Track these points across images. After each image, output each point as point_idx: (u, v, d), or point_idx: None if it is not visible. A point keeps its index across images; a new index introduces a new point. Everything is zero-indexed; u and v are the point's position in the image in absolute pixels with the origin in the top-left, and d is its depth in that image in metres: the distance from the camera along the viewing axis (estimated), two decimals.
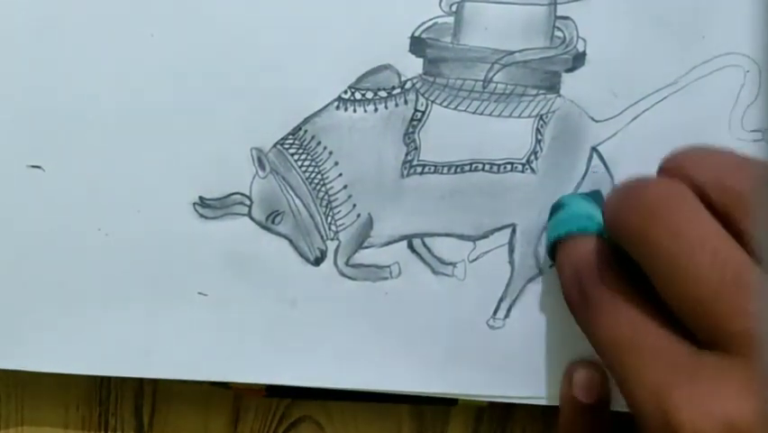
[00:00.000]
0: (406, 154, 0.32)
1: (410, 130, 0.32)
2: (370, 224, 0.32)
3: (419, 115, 0.32)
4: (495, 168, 0.32)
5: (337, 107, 0.32)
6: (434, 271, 0.32)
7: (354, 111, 0.32)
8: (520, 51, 0.31)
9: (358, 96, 0.31)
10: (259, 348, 0.32)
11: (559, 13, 0.31)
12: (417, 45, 0.31)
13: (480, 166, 0.32)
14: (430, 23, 0.31)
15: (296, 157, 0.32)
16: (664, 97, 0.31)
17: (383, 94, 0.31)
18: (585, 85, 0.31)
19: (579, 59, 0.31)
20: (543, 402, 0.32)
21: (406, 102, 0.32)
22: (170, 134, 0.32)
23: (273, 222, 0.32)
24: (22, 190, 0.32)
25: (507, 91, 0.31)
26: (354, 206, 0.32)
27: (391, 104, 0.32)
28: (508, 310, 0.32)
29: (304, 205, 0.32)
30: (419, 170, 0.32)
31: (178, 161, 0.32)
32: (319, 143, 0.32)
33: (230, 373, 0.33)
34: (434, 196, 0.32)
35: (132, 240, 0.32)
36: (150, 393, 0.35)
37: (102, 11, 0.31)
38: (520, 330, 0.32)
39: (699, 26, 0.31)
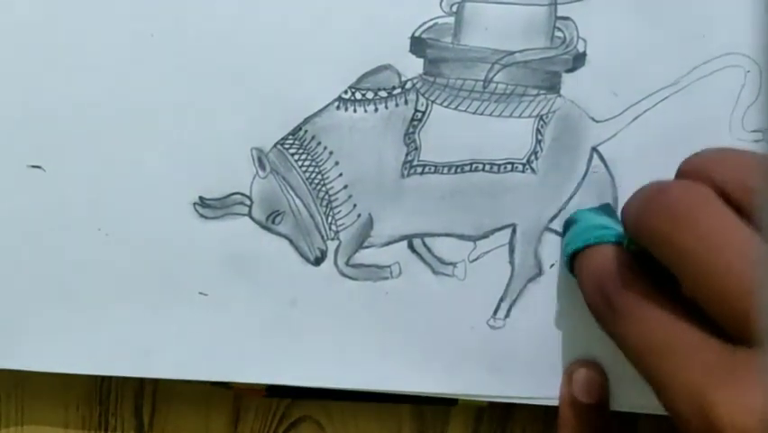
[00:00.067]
0: (407, 154, 0.32)
1: (410, 130, 0.32)
2: (370, 224, 0.32)
3: (419, 115, 0.31)
4: (495, 168, 0.32)
5: (337, 107, 0.32)
6: (435, 271, 0.32)
7: (355, 111, 0.32)
8: (520, 52, 0.31)
9: (358, 96, 0.31)
10: (259, 348, 0.32)
11: (559, 14, 0.31)
12: (418, 45, 0.31)
13: (481, 166, 0.32)
14: (430, 23, 0.31)
15: (296, 157, 0.32)
16: (665, 98, 0.31)
17: (383, 94, 0.31)
18: (585, 85, 0.31)
19: (579, 60, 0.31)
20: (543, 402, 0.32)
21: (406, 102, 0.31)
22: (170, 134, 0.32)
23: (273, 222, 0.32)
24: (23, 190, 0.32)
25: (508, 91, 0.31)
26: (355, 206, 0.32)
27: (391, 104, 0.31)
28: (509, 310, 0.32)
29: (304, 205, 0.32)
30: (419, 170, 0.32)
31: (178, 161, 0.32)
32: (319, 143, 0.32)
33: (230, 373, 0.33)
34: (434, 196, 0.32)
35: (132, 240, 0.32)
36: (150, 393, 0.35)
37: (102, 11, 0.31)
38: (520, 330, 0.32)
39: (699, 26, 0.31)
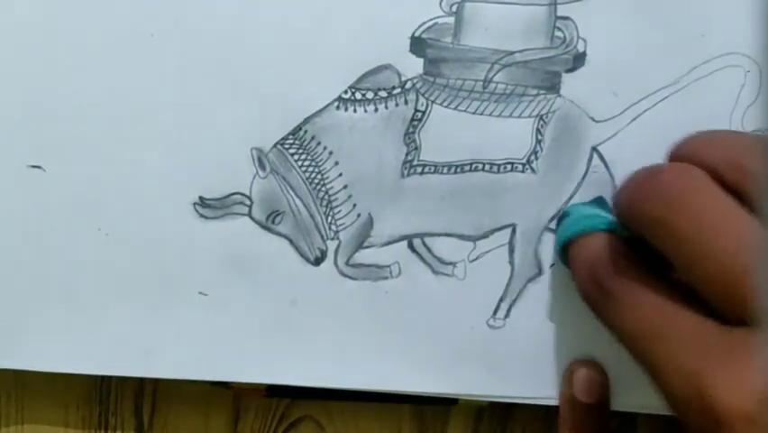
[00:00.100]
0: (407, 154, 0.32)
1: (410, 130, 0.32)
2: (370, 224, 0.32)
3: (419, 115, 0.32)
4: (495, 168, 0.32)
5: (337, 107, 0.32)
6: (435, 271, 0.32)
7: (354, 111, 0.32)
8: (520, 52, 0.31)
9: (358, 96, 0.31)
10: (259, 348, 0.32)
11: (559, 14, 0.31)
12: (418, 45, 0.31)
13: (481, 166, 0.32)
14: (430, 23, 0.31)
15: (296, 157, 0.32)
16: (665, 97, 0.31)
17: (383, 94, 0.31)
18: (585, 85, 0.31)
19: (579, 60, 0.31)
20: (542, 402, 0.32)
21: (406, 102, 0.32)
22: (170, 134, 0.32)
23: (273, 222, 0.32)
24: (23, 190, 0.32)
25: (508, 91, 0.31)
26: (354, 205, 0.32)
27: (391, 104, 0.32)
28: (508, 310, 0.32)
29: (304, 205, 0.32)
30: (419, 170, 0.32)
31: (178, 162, 0.32)
32: (319, 143, 0.32)
33: (230, 373, 0.33)
34: (434, 196, 0.32)
35: (132, 240, 0.32)
36: (150, 393, 0.35)
37: (102, 11, 0.31)
38: (520, 330, 0.32)
39: (699, 26, 0.31)
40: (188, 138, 0.32)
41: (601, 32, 0.31)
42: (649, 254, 0.26)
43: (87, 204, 0.32)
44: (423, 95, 0.31)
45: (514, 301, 0.32)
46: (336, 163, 0.32)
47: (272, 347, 0.32)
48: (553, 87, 0.31)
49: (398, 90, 0.31)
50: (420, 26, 0.31)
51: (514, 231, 0.32)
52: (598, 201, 0.31)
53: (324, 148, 0.32)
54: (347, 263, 0.32)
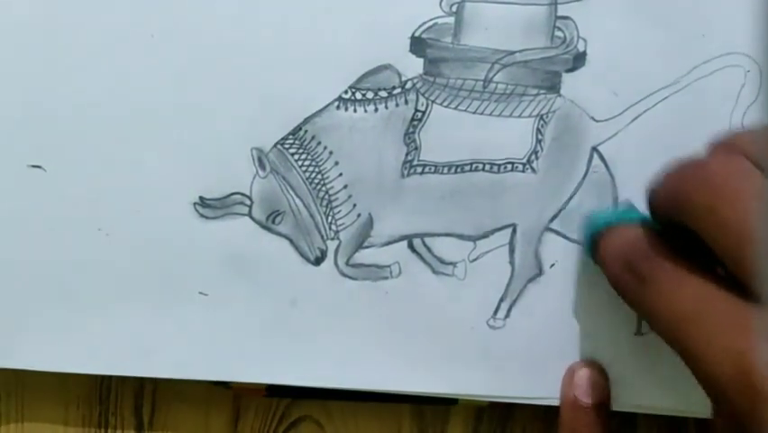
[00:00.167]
0: (407, 154, 0.32)
1: (410, 130, 0.32)
2: (370, 224, 0.32)
3: (419, 114, 0.31)
4: (495, 168, 0.32)
5: (337, 107, 0.32)
6: (435, 271, 0.32)
7: (355, 111, 0.32)
8: (520, 51, 0.31)
9: (358, 96, 0.31)
10: (259, 348, 0.32)
11: (559, 13, 0.31)
12: (418, 45, 0.31)
13: (481, 166, 0.32)
14: (430, 23, 0.31)
15: (296, 157, 0.32)
16: (665, 97, 0.31)
17: (383, 94, 0.31)
18: (585, 85, 0.31)
19: (579, 59, 0.31)
20: (542, 402, 0.32)
21: (406, 102, 0.31)
22: (170, 134, 0.32)
23: (273, 222, 0.32)
24: (23, 190, 0.32)
25: (508, 91, 0.31)
26: (354, 205, 0.32)
27: (392, 104, 0.31)
28: (509, 310, 0.32)
29: (304, 205, 0.32)
30: (419, 169, 0.32)
31: (178, 161, 0.32)
32: (319, 143, 0.32)
33: (230, 373, 0.33)
34: (434, 196, 0.32)
35: (132, 240, 0.32)
36: (150, 392, 0.35)
37: (102, 11, 0.31)
38: (520, 330, 0.32)
39: (699, 26, 0.31)
40: (188, 138, 0.32)
41: (601, 32, 0.31)
42: (681, 247, 0.26)
43: (87, 204, 0.32)
44: (423, 95, 0.31)
45: (514, 301, 0.32)
46: (336, 163, 0.32)
47: (272, 347, 0.32)
48: (553, 86, 0.31)
49: (398, 90, 0.31)
50: (420, 26, 0.31)
51: (514, 231, 0.32)
52: (625, 204, 0.31)
53: (325, 148, 0.32)
54: (347, 263, 0.32)
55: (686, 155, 0.27)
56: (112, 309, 0.32)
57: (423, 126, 0.32)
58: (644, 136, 0.31)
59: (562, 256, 0.32)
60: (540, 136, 0.32)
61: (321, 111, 0.32)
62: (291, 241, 0.32)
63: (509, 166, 0.32)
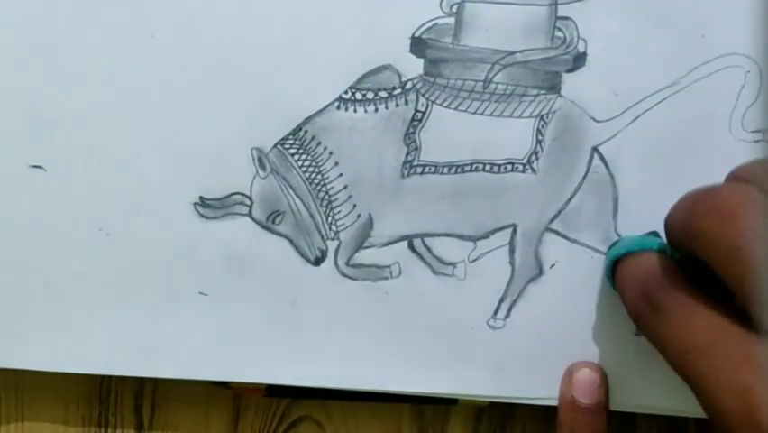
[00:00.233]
0: (407, 154, 0.32)
1: (411, 130, 0.32)
2: (370, 224, 0.32)
3: (420, 115, 0.31)
4: (495, 168, 0.32)
5: (338, 107, 0.32)
6: (435, 271, 0.32)
7: (355, 111, 0.32)
8: (521, 52, 0.31)
9: (358, 96, 0.31)
10: (259, 348, 0.32)
11: (559, 14, 0.31)
12: (418, 46, 0.31)
13: (481, 166, 0.32)
14: (430, 23, 0.31)
15: (296, 157, 0.32)
16: (665, 98, 0.31)
17: (384, 94, 0.31)
18: (586, 85, 0.31)
19: (579, 60, 0.31)
20: (542, 402, 0.32)
21: (406, 102, 0.31)
22: (170, 134, 0.32)
23: (273, 222, 0.32)
24: (24, 190, 0.32)
25: (508, 91, 0.31)
26: (355, 206, 0.32)
27: (392, 104, 0.31)
28: (509, 311, 0.32)
29: (304, 205, 0.32)
30: (419, 170, 0.32)
31: (178, 161, 0.32)
32: (319, 144, 0.32)
33: (230, 373, 0.33)
34: (434, 196, 0.32)
35: (132, 240, 0.32)
36: (150, 392, 0.35)
37: (103, 12, 0.31)
38: (520, 330, 0.32)
39: (699, 26, 0.31)
40: (188, 138, 0.32)
41: (601, 32, 0.31)
42: (699, 277, 0.26)
43: (87, 204, 0.32)
44: (423, 95, 0.31)
45: (514, 302, 0.32)
46: (336, 163, 0.32)
47: (272, 347, 0.32)
48: (553, 87, 0.31)
49: (399, 90, 0.31)
50: (420, 27, 0.31)
51: (514, 231, 0.32)
52: (652, 234, 0.31)
53: (325, 148, 0.32)
54: (347, 264, 0.32)
55: (702, 184, 0.27)
56: (112, 309, 0.32)
57: (423, 127, 0.32)
58: (644, 136, 0.31)
59: (563, 256, 0.32)
60: (540, 136, 0.32)
61: (321, 111, 0.32)
62: (291, 241, 0.32)
63: (509, 166, 0.32)
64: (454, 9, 0.31)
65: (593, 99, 0.31)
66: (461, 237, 0.32)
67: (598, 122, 0.31)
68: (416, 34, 0.31)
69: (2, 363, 0.33)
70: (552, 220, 0.32)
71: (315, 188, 0.32)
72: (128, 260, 0.32)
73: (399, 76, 0.31)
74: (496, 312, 0.32)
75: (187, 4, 0.31)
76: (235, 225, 0.32)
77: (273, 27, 0.31)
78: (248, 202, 0.32)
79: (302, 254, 0.32)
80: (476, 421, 0.35)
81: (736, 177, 0.26)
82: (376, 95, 0.31)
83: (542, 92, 0.31)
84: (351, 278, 0.32)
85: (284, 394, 0.34)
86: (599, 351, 0.32)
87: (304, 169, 0.32)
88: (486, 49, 0.31)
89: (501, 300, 0.32)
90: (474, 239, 0.32)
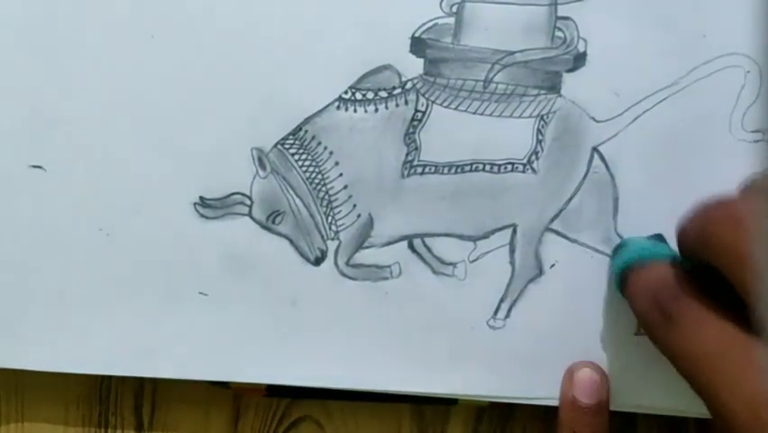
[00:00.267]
0: (407, 154, 0.32)
1: (411, 130, 0.32)
2: (370, 224, 0.32)
3: (420, 115, 0.31)
4: (495, 168, 0.32)
5: (338, 107, 0.32)
6: (435, 272, 0.32)
7: (355, 111, 0.32)
8: (521, 52, 0.31)
9: (358, 96, 0.31)
10: (259, 348, 0.32)
11: (560, 14, 0.31)
12: (418, 45, 0.31)
13: (481, 166, 0.32)
14: (430, 23, 0.31)
15: (296, 157, 0.32)
16: (665, 98, 0.31)
17: (384, 94, 0.31)
18: (586, 85, 0.31)
19: (580, 60, 0.31)
20: (542, 402, 0.32)
21: (406, 102, 0.31)
22: (170, 134, 0.32)
23: (274, 222, 0.32)
24: (24, 190, 0.32)
25: (508, 91, 0.31)
26: (355, 206, 0.32)
27: (392, 104, 0.31)
28: (509, 311, 0.32)
29: (304, 205, 0.32)
30: (420, 170, 0.32)
31: (178, 161, 0.32)
32: (320, 143, 0.32)
33: (230, 373, 0.33)
34: (434, 196, 0.32)
35: (132, 240, 0.32)
36: (150, 392, 0.35)
37: (103, 12, 0.31)
38: (520, 330, 0.32)
39: (699, 26, 0.31)
40: (188, 138, 0.32)
41: (601, 32, 0.31)
42: (710, 285, 0.26)
43: (87, 204, 0.32)
44: (423, 95, 0.31)
45: (514, 302, 0.32)
46: (336, 163, 0.32)
47: (272, 347, 0.32)
48: (553, 87, 0.31)
49: (399, 90, 0.31)
50: (420, 27, 0.31)
51: (514, 231, 0.32)
52: (657, 237, 0.31)
53: (325, 148, 0.32)
54: (347, 264, 0.32)
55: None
56: (112, 309, 0.32)
57: (423, 126, 0.32)
58: (644, 136, 0.31)
59: (563, 256, 0.32)
60: (540, 136, 0.32)
61: (321, 111, 0.32)
62: (291, 241, 0.32)
63: (510, 166, 0.32)
64: (454, 9, 0.31)
65: (593, 99, 0.31)
66: (461, 237, 0.32)
67: (598, 122, 0.31)
68: (416, 34, 0.31)
69: (2, 363, 0.33)
70: (552, 220, 0.32)
71: (315, 188, 0.32)
72: (128, 260, 0.32)
73: (399, 76, 0.31)
74: (496, 312, 0.32)
75: (187, 4, 0.31)
76: (235, 225, 0.32)
77: (273, 27, 0.31)
78: (248, 202, 0.32)
79: (302, 254, 0.32)
80: (476, 421, 0.35)
81: (751, 187, 0.26)
82: (376, 95, 0.31)
83: (542, 92, 0.31)
84: (351, 278, 0.32)
85: (284, 394, 0.34)
86: (599, 351, 0.32)
87: (304, 169, 0.32)
88: (486, 49, 0.31)
89: (501, 300, 0.32)
90: (474, 239, 0.32)
